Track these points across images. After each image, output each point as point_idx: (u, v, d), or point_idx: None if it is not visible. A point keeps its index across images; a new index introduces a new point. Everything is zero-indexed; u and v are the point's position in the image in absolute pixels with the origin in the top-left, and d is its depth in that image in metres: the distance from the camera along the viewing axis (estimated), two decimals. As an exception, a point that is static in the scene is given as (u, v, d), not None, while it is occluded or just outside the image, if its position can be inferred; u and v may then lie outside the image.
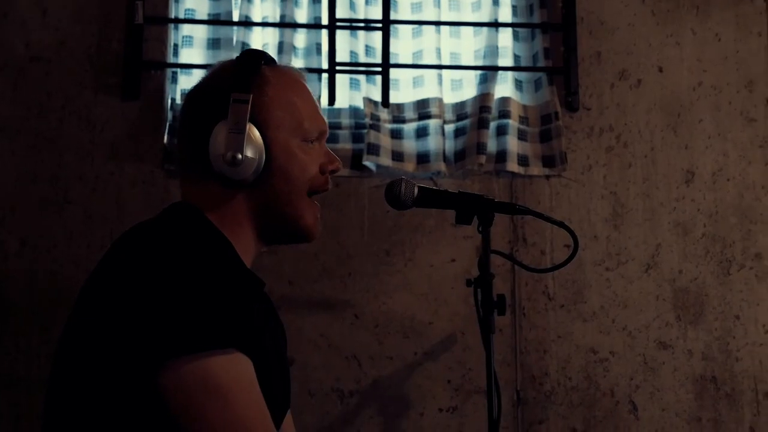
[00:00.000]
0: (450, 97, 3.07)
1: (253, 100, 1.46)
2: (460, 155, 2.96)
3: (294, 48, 2.92)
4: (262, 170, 1.47)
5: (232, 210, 1.50)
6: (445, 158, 2.94)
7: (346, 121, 2.97)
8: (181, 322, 1.24)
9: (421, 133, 2.97)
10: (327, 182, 1.59)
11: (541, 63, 3.04)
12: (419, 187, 1.98)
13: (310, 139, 1.55)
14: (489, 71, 3.00)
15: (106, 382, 1.28)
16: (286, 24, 2.92)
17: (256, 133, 1.46)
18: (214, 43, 2.91)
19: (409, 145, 2.98)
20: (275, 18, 2.96)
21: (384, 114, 2.97)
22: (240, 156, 1.42)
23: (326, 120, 1.61)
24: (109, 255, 1.42)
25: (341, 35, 2.97)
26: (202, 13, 2.97)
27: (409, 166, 2.94)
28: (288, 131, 1.52)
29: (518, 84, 3.07)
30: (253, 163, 1.45)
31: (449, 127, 3.01)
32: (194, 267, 1.30)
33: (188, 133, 1.55)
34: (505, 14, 3.08)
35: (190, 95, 1.58)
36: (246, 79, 1.48)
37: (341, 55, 2.95)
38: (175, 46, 2.94)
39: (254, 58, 1.53)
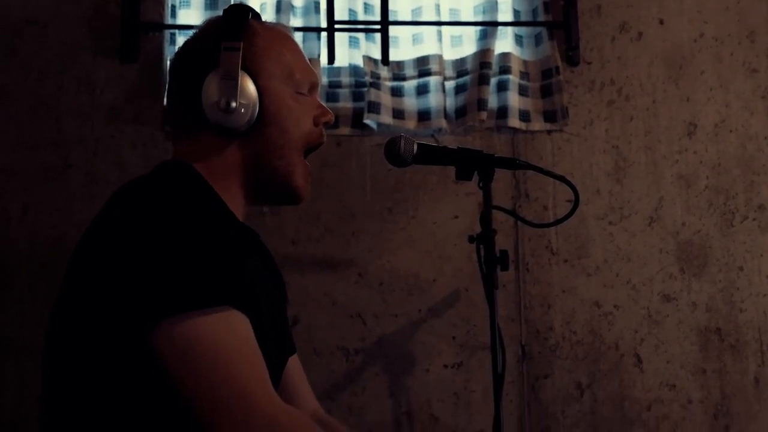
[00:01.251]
0: (450, 54, 3.08)
1: (244, 50, 1.47)
2: (461, 112, 2.98)
3: (292, 6, 2.91)
4: (256, 119, 1.49)
5: (224, 162, 1.51)
6: (446, 115, 2.96)
7: (345, 79, 2.98)
8: (172, 281, 1.25)
9: (422, 91, 2.99)
10: (321, 135, 1.62)
11: (541, 17, 3.05)
12: (418, 144, 2.00)
13: (302, 91, 1.58)
14: (489, 27, 3.01)
15: (100, 343, 1.29)
16: (283, -18, 2.95)
17: (248, 81, 1.47)
18: (212, 4, 2.92)
19: (410, 103, 2.99)
20: (273, -23, 2.99)
21: (384, 72, 2.98)
22: (234, 103, 1.44)
23: (324, 80, 1.63)
24: (100, 214, 1.42)
25: None
26: (200, -27, 3.00)
27: (410, 124, 2.96)
28: (280, 81, 1.54)
29: (518, 39, 3.08)
30: (247, 111, 1.47)
31: (450, 84, 3.03)
32: (185, 223, 1.31)
33: (180, 87, 1.57)
34: (504, -31, 3.11)
35: (180, 51, 1.61)
36: (235, 29, 1.49)
37: (340, 13, 2.95)
38: (173, 7, 2.95)
39: (241, 10, 1.54)
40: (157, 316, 1.23)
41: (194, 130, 1.52)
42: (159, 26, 2.93)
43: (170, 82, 1.61)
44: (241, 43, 1.47)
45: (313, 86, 1.63)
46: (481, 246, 2.09)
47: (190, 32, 2.80)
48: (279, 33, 1.61)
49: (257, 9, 2.83)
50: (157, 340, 1.24)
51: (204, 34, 1.57)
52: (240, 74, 1.45)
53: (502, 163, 2.05)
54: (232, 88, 1.44)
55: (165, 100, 2.85)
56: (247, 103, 1.46)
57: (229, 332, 1.27)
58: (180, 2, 2.95)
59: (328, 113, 1.63)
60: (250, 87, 1.47)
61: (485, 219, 2.08)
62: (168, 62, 2.91)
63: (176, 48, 2.81)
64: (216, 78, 1.45)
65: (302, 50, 1.65)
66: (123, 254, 1.27)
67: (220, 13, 2.82)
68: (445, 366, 2.90)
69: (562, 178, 2.03)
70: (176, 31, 2.93)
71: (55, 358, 1.38)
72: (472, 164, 2.01)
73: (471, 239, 2.15)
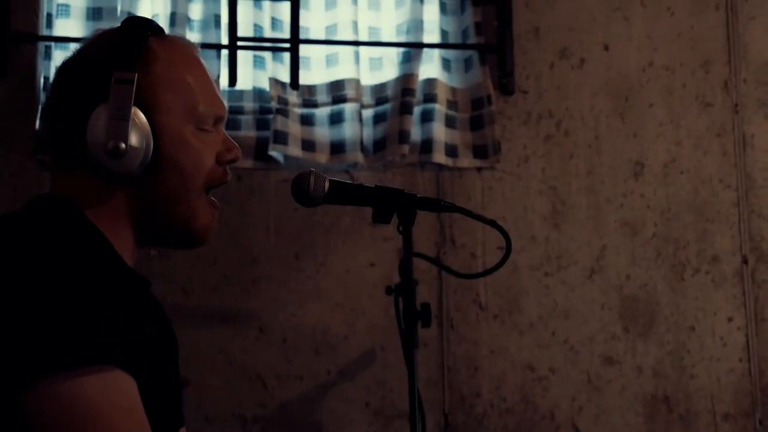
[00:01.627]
0: (368, 79, 3.34)
1: (139, 80, 1.50)
2: (379, 144, 3.25)
3: (189, 20, 3.15)
4: (150, 162, 1.52)
5: (111, 206, 1.56)
6: (362, 148, 3.21)
7: (249, 104, 3.22)
8: (47, 335, 1.27)
9: (336, 119, 3.25)
10: (225, 174, 1.66)
11: (472, 40, 3.33)
12: (330, 181, 2.05)
13: (205, 127, 1.61)
14: (412, 49, 3.28)
15: None
16: (178, -9, 3.14)
17: (142, 118, 1.50)
18: (95, 13, 3.13)
19: (322, 133, 3.25)
20: (166, -16, 3.16)
21: (293, 97, 3.22)
22: (124, 146, 1.46)
23: (225, 103, 1.77)
24: None
25: (243, 5, 3.21)
26: (81, -22, 3.16)
27: (322, 157, 3.21)
28: (180, 116, 1.57)
29: (446, 63, 3.37)
30: (138, 155, 1.50)
31: (367, 113, 3.30)
32: (64, 270, 1.35)
33: (60, 116, 1.57)
34: (432, -16, 3.35)
35: (63, 70, 1.61)
36: (130, 54, 1.52)
37: (244, 29, 3.19)
38: (49, 15, 3.12)
39: (139, 27, 1.57)
40: (28, 375, 1.26)
41: (76, 167, 1.55)
42: (32, 37, 3.11)
43: (49, 106, 1.64)
44: (136, 74, 1.50)
45: (219, 119, 1.66)
46: (400, 298, 2.25)
47: (70, 46, 3.11)
48: (182, 54, 1.64)
49: (148, 21, 3.12)
50: (27, 403, 1.27)
51: (93, 54, 1.58)
52: (133, 111, 1.49)
53: (426, 204, 2.12)
54: (122, 129, 1.47)
55: (38, 123, 3.04)
56: (140, 146, 1.50)
57: (113, 395, 1.31)
58: (58, 10, 3.13)
59: (233, 149, 1.67)
60: (144, 125, 1.51)
61: (405, 268, 2.23)
62: (42, 79, 3.09)
63: (51, 63, 3.06)
64: (104, 114, 1.48)
65: (209, 74, 1.68)
66: None
67: (104, 24, 3.09)
68: (357, 436, 3.15)
69: (492, 223, 2.11)
70: (52, 43, 3.11)
71: None
72: (391, 205, 2.08)
73: (389, 290, 2.36)
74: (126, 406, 1.33)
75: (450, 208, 2.12)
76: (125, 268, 1.55)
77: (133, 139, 1.49)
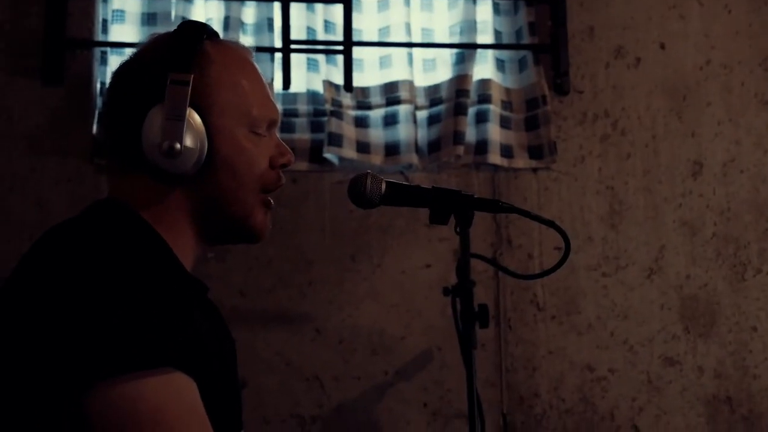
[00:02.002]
0: (422, 80, 3.36)
1: (194, 82, 1.52)
2: (434, 146, 3.26)
3: (242, 24, 3.18)
4: (204, 163, 1.55)
5: (168, 207, 1.59)
6: (417, 149, 3.22)
7: (303, 107, 3.25)
8: (108, 339, 1.29)
9: (390, 121, 3.27)
10: (279, 178, 1.69)
11: (526, 40, 3.34)
12: (387, 183, 2.06)
13: (258, 130, 1.64)
14: (466, 50, 3.30)
15: (23, 407, 1.34)
16: (232, -4, 3.18)
17: (197, 119, 1.53)
18: (149, 18, 3.18)
19: (376, 135, 3.27)
20: (220, -11, 3.21)
21: (347, 99, 3.25)
22: (179, 146, 1.49)
23: (279, 107, 1.79)
24: (26, 261, 1.48)
25: (297, 9, 3.25)
26: (135, -16, 3.22)
27: (376, 159, 3.22)
28: (234, 119, 1.60)
29: (500, 64, 3.37)
30: (193, 155, 1.53)
31: (422, 114, 3.31)
32: (124, 275, 1.37)
33: (117, 118, 1.61)
34: (485, -16, 3.36)
35: (119, 73, 1.64)
36: (186, 56, 1.54)
37: (297, 32, 3.22)
38: (104, 21, 3.18)
39: (195, 31, 1.60)
40: (89, 378, 1.28)
41: (133, 169, 1.58)
42: (88, 43, 3.17)
43: (106, 108, 1.66)
44: (192, 76, 1.53)
45: (273, 123, 1.70)
46: (458, 299, 2.25)
47: (125, 51, 3.16)
48: (237, 58, 1.67)
49: (203, 25, 3.16)
50: (88, 405, 1.28)
51: (149, 57, 1.61)
52: (188, 111, 1.51)
53: (483, 205, 2.10)
54: (177, 129, 1.50)
55: (95, 128, 3.09)
56: (194, 147, 1.52)
57: (173, 397, 1.33)
58: (113, 17, 3.19)
59: (286, 154, 1.70)
60: (199, 127, 1.54)
61: (462, 268, 2.23)
62: (98, 85, 3.14)
63: (107, 69, 3.11)
64: (160, 115, 1.51)
65: (263, 77, 1.72)
66: (52, 306, 1.33)
67: (159, 29, 3.15)
68: (415, 438, 3.17)
69: (551, 224, 2.07)
70: (108, 49, 3.16)
71: None
72: (448, 206, 2.07)
73: (446, 291, 2.35)
74: (187, 407, 1.35)
75: (508, 209, 2.11)
76: (183, 272, 1.57)
77: (188, 140, 1.51)
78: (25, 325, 1.35)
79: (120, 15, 3.23)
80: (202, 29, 1.62)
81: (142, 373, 1.30)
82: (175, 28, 1.62)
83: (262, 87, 1.69)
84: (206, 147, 1.55)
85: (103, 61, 3.18)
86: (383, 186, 2.06)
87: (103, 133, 1.75)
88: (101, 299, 1.32)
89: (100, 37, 3.21)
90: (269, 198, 1.70)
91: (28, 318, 1.36)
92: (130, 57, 1.66)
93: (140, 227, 1.55)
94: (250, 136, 1.63)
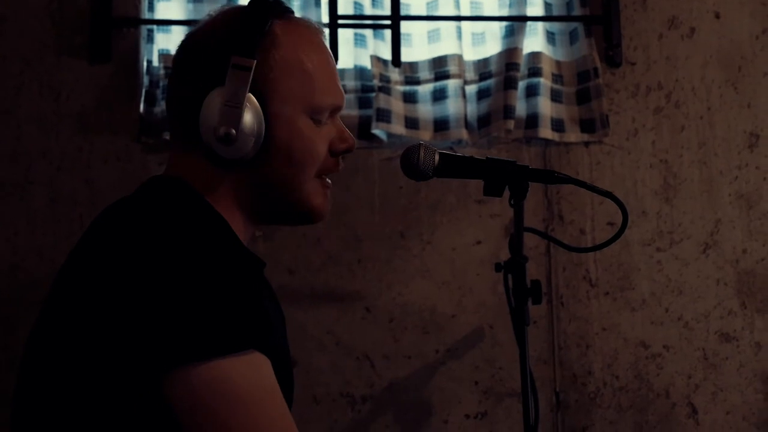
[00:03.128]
0: (471, 54, 3.33)
1: (257, 66, 1.52)
2: (484, 120, 3.23)
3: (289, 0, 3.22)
4: (261, 149, 1.55)
5: (224, 189, 1.60)
6: (466, 124, 3.20)
7: (351, 83, 3.24)
8: (189, 322, 1.31)
9: (439, 96, 3.25)
10: (338, 164, 1.70)
11: (577, 11, 3.31)
12: (441, 154, 2.05)
13: (320, 118, 1.64)
14: (516, 22, 3.26)
15: (98, 391, 1.35)
16: (279, -29, 3.23)
17: (256, 105, 1.53)
18: None
19: (425, 110, 3.25)
20: (266, -36, 3.26)
21: (395, 74, 3.23)
22: (234, 132, 1.50)
23: (343, 92, 1.76)
24: (91, 240, 1.49)
25: None
26: (181, -39, 3.22)
27: (426, 134, 3.21)
28: (296, 105, 1.59)
29: (550, 36, 3.34)
30: (249, 142, 1.53)
31: (471, 89, 3.28)
32: (198, 255, 1.38)
33: (178, 96, 1.63)
34: (534, -45, 3.33)
35: (184, 48, 1.65)
36: (251, 39, 1.53)
37: (344, 7, 3.22)
38: None
39: (264, 10, 1.57)
40: (170, 363, 1.30)
41: (191, 148, 1.59)
42: (135, 21, 3.18)
43: (169, 83, 1.68)
44: (254, 62, 1.52)
45: (336, 109, 1.69)
46: (510, 275, 2.26)
47: (172, 29, 3.16)
48: (306, 40, 1.65)
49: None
50: (171, 388, 1.31)
51: (215, 35, 1.60)
52: (246, 98, 1.51)
53: (539, 176, 2.09)
54: (235, 116, 1.50)
55: (142, 106, 3.10)
56: (250, 134, 1.53)
57: (256, 379, 1.36)
58: (159, -7, 3.19)
59: (347, 140, 1.70)
60: (258, 113, 1.54)
61: (515, 243, 2.24)
62: (144, 63, 3.15)
63: (154, 47, 3.12)
64: (218, 99, 1.51)
65: (332, 61, 1.69)
66: (128, 290, 1.34)
67: (205, 6, 3.16)
68: (467, 416, 3.15)
69: (608, 194, 2.06)
70: (154, 27, 3.16)
71: (34, 409, 1.44)
72: (503, 177, 2.05)
73: (498, 267, 2.32)
74: (269, 386, 1.39)
75: (564, 180, 2.09)
76: (244, 249, 1.57)
77: (245, 127, 1.52)
78: (101, 307, 1.37)
79: (166, -8, 3.23)
80: (273, 7, 1.60)
81: (226, 357, 1.32)
82: (245, 5, 1.61)
83: (328, 72, 1.67)
84: (263, 133, 1.55)
85: (150, 39, 3.18)
86: (437, 157, 2.05)
87: (166, 106, 1.71)
88: (176, 282, 1.34)
89: (146, 15, 3.22)
90: (327, 180, 1.70)
91: (102, 300, 1.37)
92: (196, 31, 1.66)
93: (201, 205, 1.56)
94: (310, 124, 1.62)
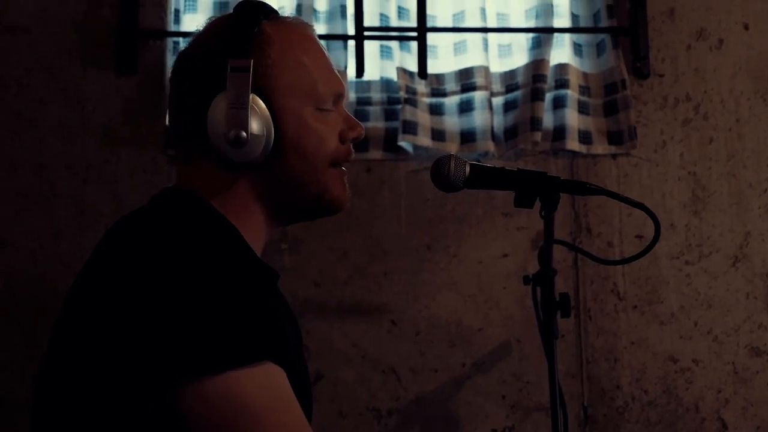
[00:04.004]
0: (498, 66, 3.33)
1: (255, 65, 1.54)
2: (511, 132, 3.22)
3: (315, 11, 3.17)
4: (272, 147, 1.56)
5: (238, 194, 1.60)
6: (493, 136, 3.19)
7: (377, 95, 3.23)
8: (202, 334, 1.31)
9: (465, 108, 3.24)
10: (350, 152, 1.70)
11: (604, 23, 3.29)
12: (471, 165, 2.04)
13: (325, 106, 1.65)
14: (543, 34, 3.26)
15: (112, 404, 1.35)
16: (305, -17, 3.17)
17: (261, 104, 1.54)
18: (221, 7, 3.18)
19: (452, 122, 3.24)
20: (292, -24, 3.20)
21: (421, 86, 3.23)
22: (245, 134, 1.50)
23: (352, 95, 1.78)
24: (103, 252, 1.50)
25: None
26: (207, -27, 3.23)
27: (452, 147, 3.19)
28: (299, 98, 1.61)
29: (577, 48, 3.33)
30: (260, 141, 1.54)
31: (497, 100, 3.28)
32: (209, 268, 1.38)
33: (181, 108, 1.63)
34: (561, -34, 3.33)
35: (181, 61, 1.66)
36: (244, 40, 1.55)
37: (370, 19, 3.21)
38: (176, 11, 3.20)
39: (252, 12, 1.60)
40: (184, 376, 1.30)
41: (200, 158, 1.60)
42: (161, 33, 3.19)
43: (171, 97, 1.68)
44: (251, 61, 1.53)
45: (339, 97, 1.70)
46: (538, 288, 2.22)
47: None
48: (297, 36, 1.66)
49: (275, 13, 3.16)
50: (186, 402, 1.31)
51: (208, 43, 1.62)
52: (251, 98, 1.52)
53: (571, 187, 2.09)
54: (242, 118, 1.51)
55: (168, 119, 3.12)
56: (261, 133, 1.53)
57: (272, 390, 1.36)
58: (185, 6, 3.21)
59: (356, 127, 1.71)
60: (264, 112, 1.55)
61: (545, 255, 2.20)
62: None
63: (180, 58, 3.15)
64: (223, 103, 1.52)
65: (325, 52, 1.72)
66: (140, 303, 1.34)
67: (232, 16, 3.16)
68: (494, 430, 3.13)
69: (640, 206, 2.06)
70: (180, 39, 3.18)
71: (51, 420, 1.45)
72: (534, 189, 2.05)
73: (526, 280, 2.30)
74: (285, 396, 1.38)
75: (597, 191, 2.08)
76: (256, 260, 1.58)
77: (254, 127, 1.52)
78: (114, 320, 1.36)
79: (192, 4, 3.24)
80: (260, 9, 1.62)
81: (241, 369, 1.32)
82: (231, 11, 1.63)
83: (325, 62, 1.69)
84: (273, 131, 1.56)
85: (176, 51, 3.17)
86: (467, 168, 2.04)
87: (170, 121, 1.72)
88: (188, 293, 1.34)
89: (172, 27, 3.23)
90: (343, 169, 1.70)
91: (112, 314, 1.37)
92: (190, 44, 1.67)
93: (212, 216, 1.56)
94: (316, 114, 1.64)
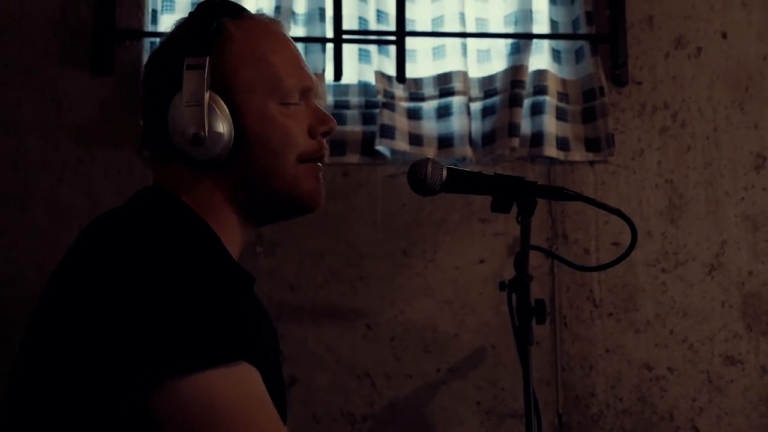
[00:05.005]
0: (476, 71, 3.32)
1: (215, 62, 1.54)
2: (488, 138, 3.22)
3: (293, 14, 3.16)
4: (234, 144, 1.56)
5: (210, 193, 1.60)
6: (471, 142, 3.19)
7: (355, 99, 3.23)
8: (176, 334, 1.30)
9: (443, 113, 3.24)
10: (321, 147, 1.68)
11: (583, 29, 3.29)
12: (448, 169, 2.02)
13: (291, 101, 1.63)
14: (521, 40, 3.25)
15: (83, 405, 1.35)
16: (283, -15, 3.17)
17: (219, 101, 1.54)
18: None
19: (429, 127, 3.24)
20: (271, -22, 3.20)
21: (399, 90, 3.22)
22: (203, 133, 1.51)
23: (329, 97, 1.76)
24: (78, 252, 1.49)
25: None
26: (185, -27, 3.22)
27: (430, 151, 3.19)
28: (262, 93, 1.60)
29: (556, 54, 3.33)
30: (221, 139, 1.54)
31: (476, 106, 3.28)
32: (184, 266, 1.39)
33: (148, 109, 1.65)
34: (540, -28, 3.33)
35: (147, 63, 1.68)
36: (201, 38, 1.55)
37: (349, 22, 3.20)
38: (154, 12, 3.19)
39: (211, 10, 1.60)
40: (158, 376, 1.29)
41: (170, 158, 1.60)
42: (137, 33, 3.17)
43: (140, 99, 1.70)
44: (207, 58, 1.52)
45: (307, 90, 1.68)
46: (513, 294, 2.25)
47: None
48: (261, 31, 1.66)
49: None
50: (160, 402, 1.30)
51: (168, 44, 1.65)
52: (208, 95, 1.52)
53: (548, 192, 2.09)
54: (198, 115, 1.50)
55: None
56: (221, 130, 1.53)
57: (246, 390, 1.36)
58: (163, 6, 3.19)
59: (327, 120, 1.68)
60: (223, 108, 1.54)
61: (521, 261, 2.23)
62: (146, 75, 3.19)
63: (155, 59, 3.14)
64: (180, 102, 1.52)
65: (293, 47, 1.71)
66: (113, 303, 1.34)
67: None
68: (468, 437, 3.14)
69: (617, 212, 2.04)
70: (157, 39, 3.12)
71: (21, 422, 1.44)
72: (511, 194, 2.02)
73: (502, 286, 2.31)
74: (259, 396, 1.38)
75: (573, 197, 2.06)
76: (232, 262, 1.57)
77: (214, 124, 1.53)
78: (86, 320, 1.36)
79: (169, 5, 3.23)
80: (220, 7, 1.62)
81: (215, 369, 1.31)
82: (191, 11, 1.64)
83: (291, 56, 1.69)
84: (232, 129, 1.56)
85: (153, 52, 3.16)
86: (444, 172, 2.02)
87: (142, 123, 1.72)
88: (163, 293, 1.33)
89: (149, 28, 3.22)
90: (316, 164, 1.69)
91: (87, 313, 1.36)
92: (157, 46, 1.70)
93: (188, 216, 1.56)
94: (281, 109, 1.62)
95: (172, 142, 1.55)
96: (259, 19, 1.71)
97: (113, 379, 1.31)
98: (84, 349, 1.34)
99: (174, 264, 1.39)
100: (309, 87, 1.69)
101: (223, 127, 1.54)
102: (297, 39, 3.13)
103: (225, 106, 1.55)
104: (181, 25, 1.65)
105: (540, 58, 3.32)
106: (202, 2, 1.62)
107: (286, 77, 1.64)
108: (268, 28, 1.69)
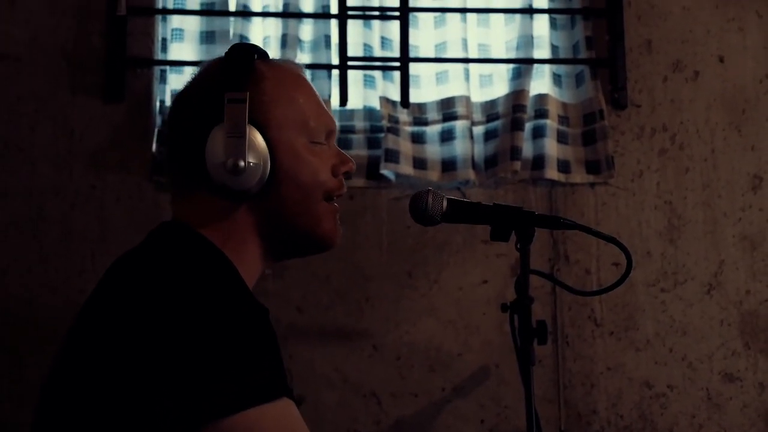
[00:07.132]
0: (479, 95, 3.38)
1: (250, 99, 1.58)
2: (491, 161, 3.27)
3: (299, 41, 3.23)
4: (268, 178, 1.60)
5: (236, 226, 1.63)
6: (474, 165, 3.24)
7: (360, 123, 3.30)
8: (220, 375, 1.33)
9: (447, 137, 3.29)
10: (342, 185, 1.74)
11: (583, 54, 3.35)
12: (449, 200, 2.08)
13: (317, 140, 1.70)
14: (523, 65, 3.31)
15: None
16: (290, 14, 3.23)
17: (257, 135, 1.58)
18: (207, 37, 3.24)
19: (433, 151, 3.29)
20: (277, 7, 3.27)
21: (403, 115, 3.28)
22: (243, 163, 1.54)
23: (334, 118, 1.85)
24: (107, 297, 1.51)
25: (353, 25, 3.29)
26: (194, 3, 3.30)
27: (433, 175, 3.25)
28: (293, 131, 1.66)
29: (557, 79, 3.39)
30: (257, 170, 1.58)
31: (478, 130, 3.33)
32: (217, 305, 1.41)
33: (180, 141, 1.67)
34: (541, -1, 3.39)
35: (179, 98, 1.72)
36: (240, 76, 1.62)
37: (354, 49, 3.27)
38: (164, 40, 3.25)
39: (246, 52, 1.67)
40: (208, 417, 1.32)
41: (197, 190, 1.63)
42: (148, 62, 3.23)
43: (169, 132, 1.74)
44: (247, 93, 1.58)
45: (331, 133, 1.75)
46: (516, 315, 2.25)
47: (184, 69, 3.22)
48: (289, 74, 1.73)
49: (260, 43, 3.17)
50: None
51: (204, 81, 1.69)
52: (248, 128, 1.56)
53: (545, 222, 2.12)
54: (240, 147, 1.55)
55: (154, 145, 3.15)
56: (257, 162, 1.57)
57: (291, 423, 1.40)
58: (172, 35, 3.25)
59: (348, 162, 1.76)
60: (260, 142, 1.58)
61: (521, 285, 2.21)
62: (158, 103, 3.21)
63: (167, 87, 3.18)
64: (221, 134, 1.56)
65: (316, 91, 1.78)
66: (152, 350, 1.36)
67: (217, 47, 3.23)
68: (472, 454, 3.19)
69: (612, 240, 2.08)
70: (167, 67, 3.23)
71: None
72: (509, 223, 2.08)
73: (504, 308, 2.32)
74: (300, 429, 1.41)
75: (570, 226, 2.12)
76: (253, 298, 1.58)
77: (251, 156, 1.56)
78: (120, 363, 1.38)
79: (179, 34, 3.29)
80: (253, 50, 1.70)
81: (262, 407, 1.35)
82: (226, 52, 1.69)
83: (316, 100, 1.75)
84: (269, 162, 1.60)
85: (163, 80, 3.25)
86: (444, 203, 2.08)
87: (166, 155, 1.75)
88: (202, 335, 1.36)
89: (159, 56, 3.28)
90: (335, 204, 1.74)
91: (127, 361, 1.38)
92: (188, 82, 1.74)
93: (210, 252, 1.58)
94: (310, 147, 1.68)
95: (207, 173, 1.58)
96: (285, 62, 1.79)
97: (160, 423, 1.33)
98: (125, 395, 1.36)
99: (207, 304, 1.41)
100: (332, 129, 1.77)
101: (260, 159, 1.58)
102: (304, 66, 3.16)
103: (262, 140, 1.59)
104: (216, 65, 1.70)
105: (541, 83, 3.37)
106: (236, 44, 1.70)
107: (313, 118, 1.70)
108: (294, 71, 1.75)
